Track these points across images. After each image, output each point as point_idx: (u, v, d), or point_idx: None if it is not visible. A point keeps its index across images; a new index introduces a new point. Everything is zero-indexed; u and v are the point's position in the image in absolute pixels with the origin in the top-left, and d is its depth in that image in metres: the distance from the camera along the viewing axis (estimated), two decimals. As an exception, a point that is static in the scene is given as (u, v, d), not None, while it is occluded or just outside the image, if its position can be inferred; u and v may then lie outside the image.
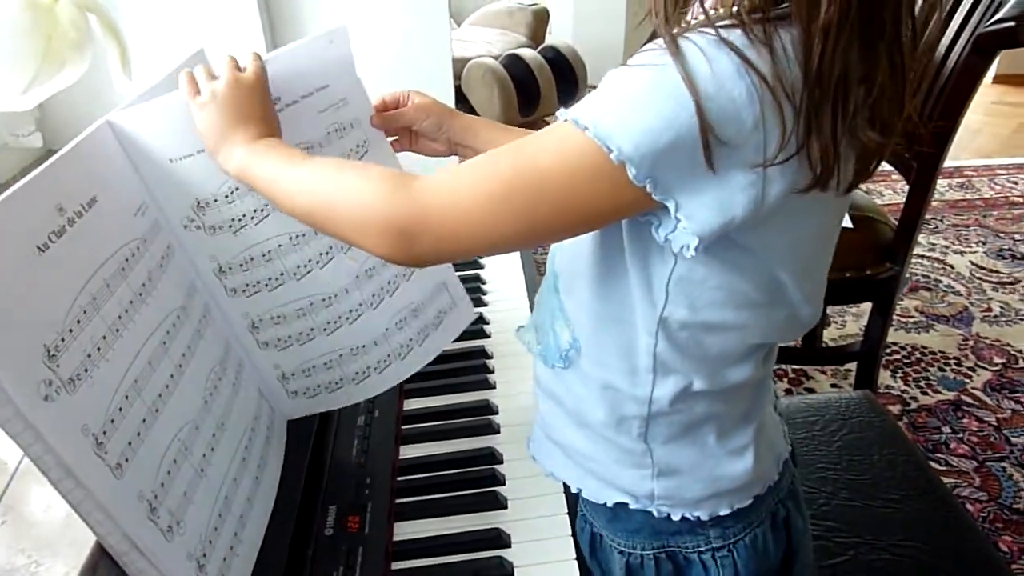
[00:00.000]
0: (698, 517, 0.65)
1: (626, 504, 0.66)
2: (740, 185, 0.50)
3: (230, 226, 0.70)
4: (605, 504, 0.67)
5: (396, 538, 0.72)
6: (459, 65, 3.09)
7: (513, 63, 3.16)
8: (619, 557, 0.68)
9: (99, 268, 0.57)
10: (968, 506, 1.63)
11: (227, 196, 0.69)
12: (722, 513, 0.65)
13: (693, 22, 0.52)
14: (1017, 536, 1.56)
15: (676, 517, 0.65)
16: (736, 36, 0.49)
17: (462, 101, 3.15)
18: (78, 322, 0.53)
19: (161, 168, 0.66)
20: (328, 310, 0.76)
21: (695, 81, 0.48)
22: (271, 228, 0.71)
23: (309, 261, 0.74)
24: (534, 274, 1.13)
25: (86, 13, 0.66)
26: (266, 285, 0.73)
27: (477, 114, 3.14)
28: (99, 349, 0.54)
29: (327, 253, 0.74)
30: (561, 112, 0.53)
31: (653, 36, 0.54)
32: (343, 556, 0.67)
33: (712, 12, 0.51)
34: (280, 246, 0.72)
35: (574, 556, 0.69)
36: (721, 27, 0.49)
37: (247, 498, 0.67)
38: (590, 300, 0.63)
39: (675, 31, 0.50)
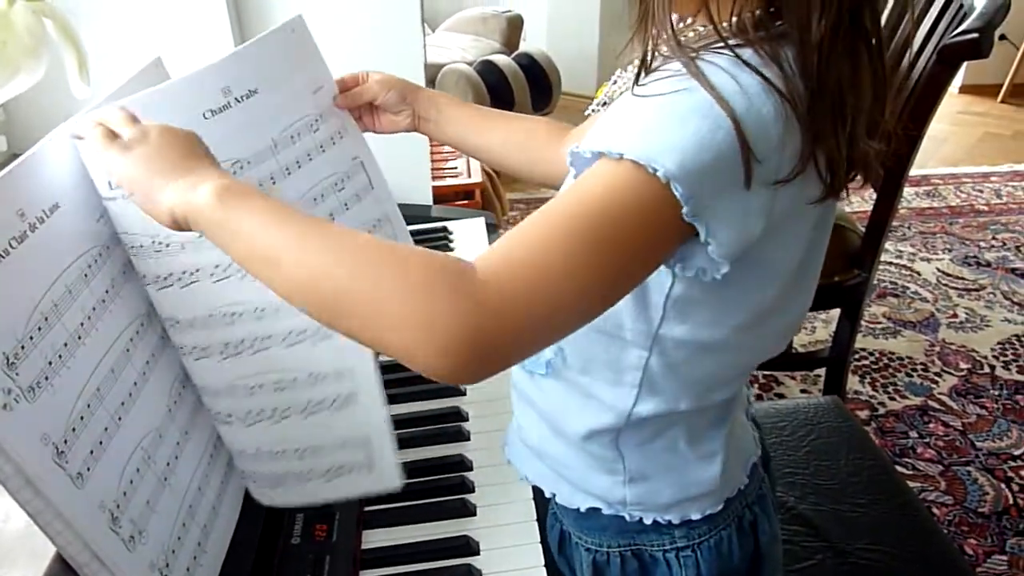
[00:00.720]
0: (669, 520, 0.65)
1: (599, 509, 0.66)
2: (759, 203, 0.50)
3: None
4: (578, 508, 0.67)
5: (364, 546, 0.71)
6: (433, 71, 3.09)
7: (487, 69, 3.16)
8: (586, 555, 0.69)
9: (61, 274, 0.56)
10: (934, 510, 1.65)
11: None
12: (693, 517, 0.66)
13: (696, 42, 0.52)
14: (981, 539, 1.58)
15: (648, 521, 0.66)
16: (749, 55, 0.50)
17: (437, 107, 3.14)
18: (39, 329, 0.52)
19: None
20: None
21: (728, 100, 0.48)
22: None
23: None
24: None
25: (42, 19, 0.65)
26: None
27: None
28: (60, 357, 0.53)
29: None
30: (582, 149, 0.50)
31: (646, 59, 0.54)
32: (310, 565, 0.66)
33: (723, 30, 0.51)
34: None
35: (542, 563, 0.69)
36: (735, 46, 0.50)
37: (212, 507, 0.66)
38: None
39: (692, 54, 0.50)
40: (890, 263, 2.56)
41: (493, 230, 1.27)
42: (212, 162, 0.55)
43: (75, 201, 0.59)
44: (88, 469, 0.53)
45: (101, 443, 0.55)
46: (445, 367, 0.45)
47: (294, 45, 0.76)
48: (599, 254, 0.47)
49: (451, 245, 1.23)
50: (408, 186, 1.33)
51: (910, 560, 0.88)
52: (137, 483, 0.58)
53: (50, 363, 0.52)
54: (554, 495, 0.69)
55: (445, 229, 1.26)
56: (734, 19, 0.52)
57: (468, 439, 0.84)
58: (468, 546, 0.70)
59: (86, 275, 0.58)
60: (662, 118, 0.49)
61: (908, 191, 2.99)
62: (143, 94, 0.61)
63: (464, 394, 0.90)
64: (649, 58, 0.54)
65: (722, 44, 0.51)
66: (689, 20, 0.55)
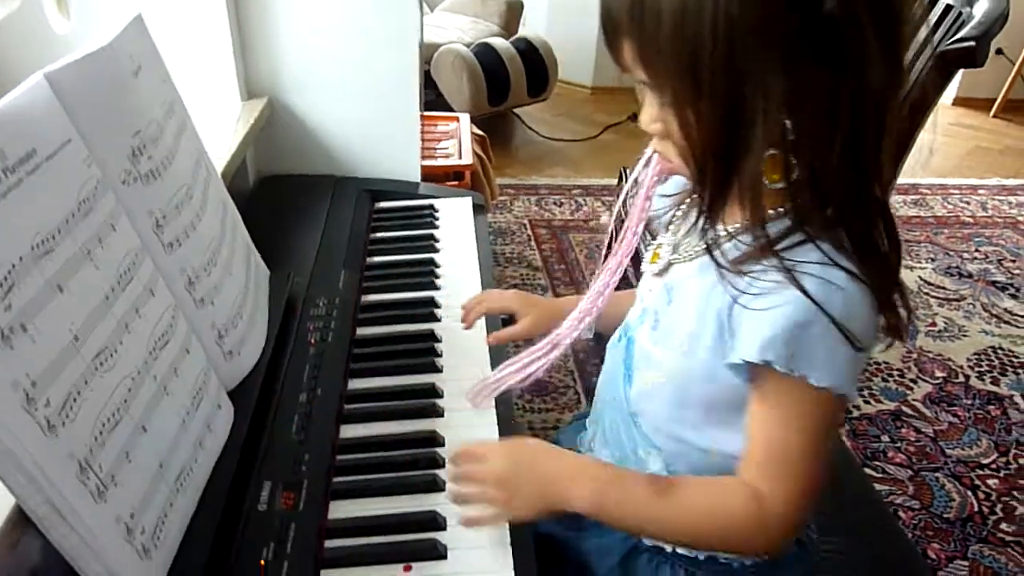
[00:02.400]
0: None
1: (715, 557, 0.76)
2: None
3: (163, 164, 0.71)
4: (696, 556, 0.76)
5: (331, 516, 0.71)
6: (429, 50, 3.06)
7: (484, 52, 3.14)
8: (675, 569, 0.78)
9: (39, 221, 0.55)
10: (900, 513, 1.67)
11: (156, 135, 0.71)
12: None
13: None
14: (945, 544, 1.60)
15: (748, 562, 0.76)
16: (827, 248, 0.59)
17: (431, 86, 3.12)
18: (14, 274, 0.51)
19: (98, 121, 0.64)
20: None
21: (832, 310, 0.58)
22: (185, 163, 0.75)
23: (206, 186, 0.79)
24: (489, 264, 1.13)
25: None
26: (192, 225, 0.75)
27: (444, 99, 3.12)
28: (38, 304, 0.53)
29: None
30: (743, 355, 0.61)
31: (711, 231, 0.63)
32: (275, 532, 0.66)
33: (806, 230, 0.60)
34: (193, 171, 0.77)
35: (509, 541, 0.69)
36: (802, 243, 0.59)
37: (185, 465, 0.65)
38: (696, 444, 0.71)
39: (785, 262, 0.59)
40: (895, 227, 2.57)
41: (479, 211, 1.26)
42: (552, 472, 0.68)
43: (53, 149, 0.58)
44: (63, 416, 0.52)
45: (79, 392, 0.54)
46: (761, 554, 0.72)
47: (136, 44, 0.72)
48: (827, 446, 0.65)
49: (436, 223, 1.22)
50: (397, 163, 1.33)
51: (869, 558, 0.89)
52: (112, 432, 0.57)
53: (26, 309, 0.51)
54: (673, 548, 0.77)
55: (432, 207, 1.26)
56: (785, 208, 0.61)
57: (441, 415, 0.83)
58: (435, 521, 0.70)
59: (68, 222, 0.58)
60: (823, 344, 0.59)
61: (896, 199, 3.01)
62: None
63: (440, 371, 0.90)
64: (716, 237, 0.63)
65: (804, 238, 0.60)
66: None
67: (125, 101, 0.69)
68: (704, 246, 0.66)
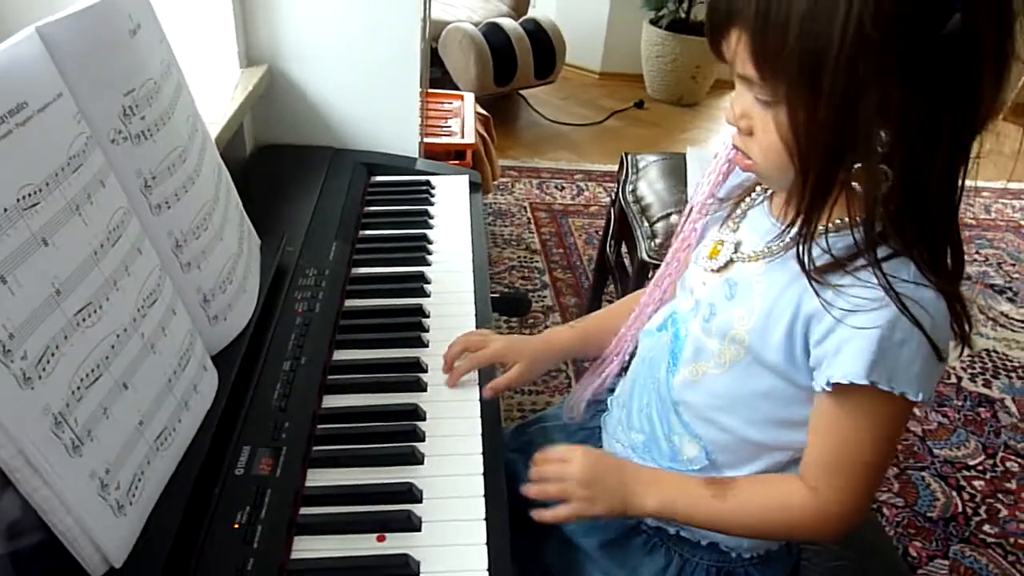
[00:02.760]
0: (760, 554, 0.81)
1: (717, 544, 0.79)
2: None
3: (156, 126, 0.71)
4: (699, 542, 0.79)
5: (309, 483, 0.71)
6: (437, 28, 3.05)
7: (492, 31, 3.12)
8: (677, 559, 0.80)
9: (27, 174, 0.55)
10: (884, 510, 1.68)
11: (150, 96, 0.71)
12: (772, 549, 0.81)
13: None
14: (927, 543, 1.61)
15: (746, 556, 0.80)
16: (914, 264, 0.60)
17: (437, 64, 3.11)
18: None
19: (89, 77, 0.63)
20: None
21: (924, 326, 0.59)
22: (180, 126, 0.75)
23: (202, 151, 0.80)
24: (483, 242, 1.12)
25: None
26: (184, 188, 0.75)
27: (450, 77, 3.10)
28: (21, 256, 0.53)
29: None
30: (831, 376, 0.63)
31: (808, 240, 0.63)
32: (251, 497, 0.66)
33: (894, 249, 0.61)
34: (189, 136, 0.77)
35: (483, 516, 0.69)
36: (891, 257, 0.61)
37: (167, 425, 0.66)
38: (744, 435, 0.73)
39: (885, 282, 0.60)
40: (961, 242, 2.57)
41: (476, 189, 1.26)
42: (631, 479, 0.73)
43: (43, 103, 0.58)
44: (40, 368, 0.52)
45: (57, 345, 0.55)
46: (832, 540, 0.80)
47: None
48: (893, 453, 0.68)
49: (432, 199, 1.22)
50: (396, 138, 1.32)
51: (853, 547, 0.89)
52: (91, 386, 0.57)
53: (7, 262, 0.51)
54: (678, 531, 0.79)
55: (428, 184, 1.25)
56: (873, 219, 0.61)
57: (425, 390, 0.84)
58: (411, 493, 0.70)
59: (57, 175, 0.58)
60: (908, 356, 0.60)
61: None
62: None
63: (426, 346, 0.90)
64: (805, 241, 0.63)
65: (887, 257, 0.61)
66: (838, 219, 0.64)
67: (119, 59, 0.69)
68: (772, 248, 0.69)
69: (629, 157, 1.95)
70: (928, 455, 1.84)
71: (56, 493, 0.52)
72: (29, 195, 0.55)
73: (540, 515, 0.72)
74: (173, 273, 0.73)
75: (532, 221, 2.66)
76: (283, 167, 1.23)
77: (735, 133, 0.67)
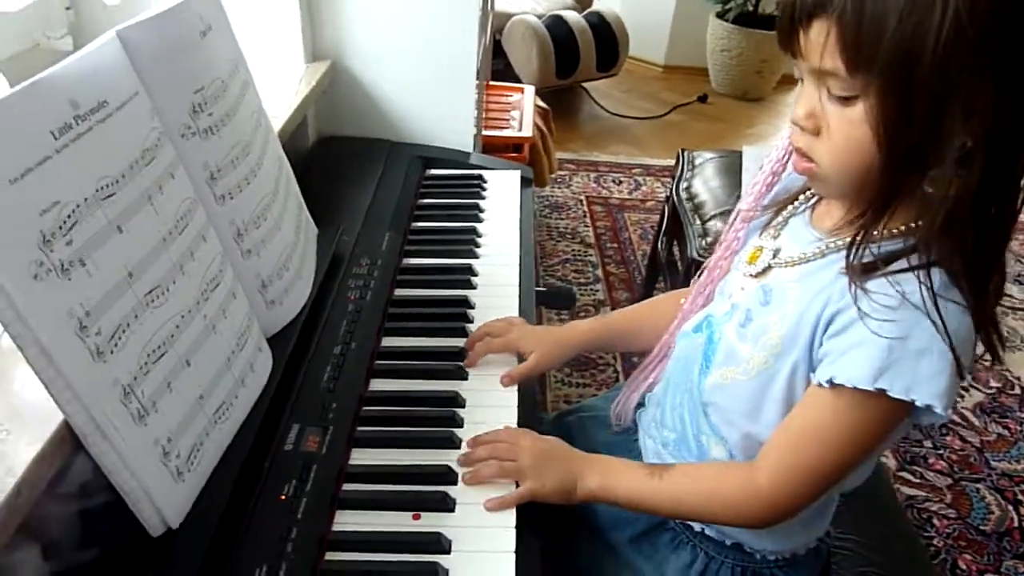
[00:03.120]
0: (785, 556, 0.81)
1: (741, 544, 0.80)
2: None
3: (222, 121, 0.76)
4: (723, 542, 0.80)
5: (352, 462, 0.76)
6: (501, 20, 3.07)
7: (555, 24, 3.13)
8: (701, 556, 0.81)
9: (105, 166, 0.60)
10: (935, 520, 1.65)
11: (218, 93, 0.76)
12: (800, 553, 0.81)
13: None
14: (978, 556, 1.58)
15: (771, 558, 0.80)
16: (944, 276, 0.60)
17: (500, 56, 3.14)
18: (78, 212, 0.56)
19: (163, 77, 0.69)
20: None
21: (955, 338, 0.59)
22: (245, 121, 0.81)
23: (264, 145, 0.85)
24: (530, 237, 1.15)
25: None
26: (246, 180, 0.80)
27: (513, 69, 3.13)
28: (98, 241, 0.58)
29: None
30: (834, 376, 0.63)
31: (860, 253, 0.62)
32: (298, 471, 0.71)
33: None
34: (252, 130, 0.83)
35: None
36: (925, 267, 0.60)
37: (225, 400, 0.71)
38: (764, 440, 0.73)
39: (929, 293, 0.60)
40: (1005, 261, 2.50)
41: (527, 184, 1.29)
42: (577, 461, 0.76)
43: (122, 100, 0.63)
44: (111, 344, 0.58)
45: (128, 323, 0.60)
46: (759, 527, 0.75)
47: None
48: (859, 458, 0.67)
49: (484, 193, 1.25)
50: (451, 132, 1.36)
51: (874, 548, 0.89)
52: (157, 361, 0.62)
53: (85, 245, 0.56)
54: (703, 529, 0.81)
55: (480, 177, 1.29)
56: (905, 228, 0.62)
57: (465, 379, 0.87)
58: (448, 475, 0.74)
59: (132, 167, 0.63)
60: (932, 360, 0.60)
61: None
62: None
63: (467, 336, 0.94)
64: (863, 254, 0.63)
65: (922, 265, 0.60)
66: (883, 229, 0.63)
67: (190, 59, 0.74)
68: (807, 255, 0.69)
69: (685, 154, 1.95)
70: (985, 467, 1.79)
71: (122, 457, 0.57)
72: (107, 186, 0.60)
73: (491, 503, 0.72)
74: (234, 260, 0.78)
75: (588, 215, 2.68)
76: (343, 159, 1.28)
77: (797, 134, 0.65)
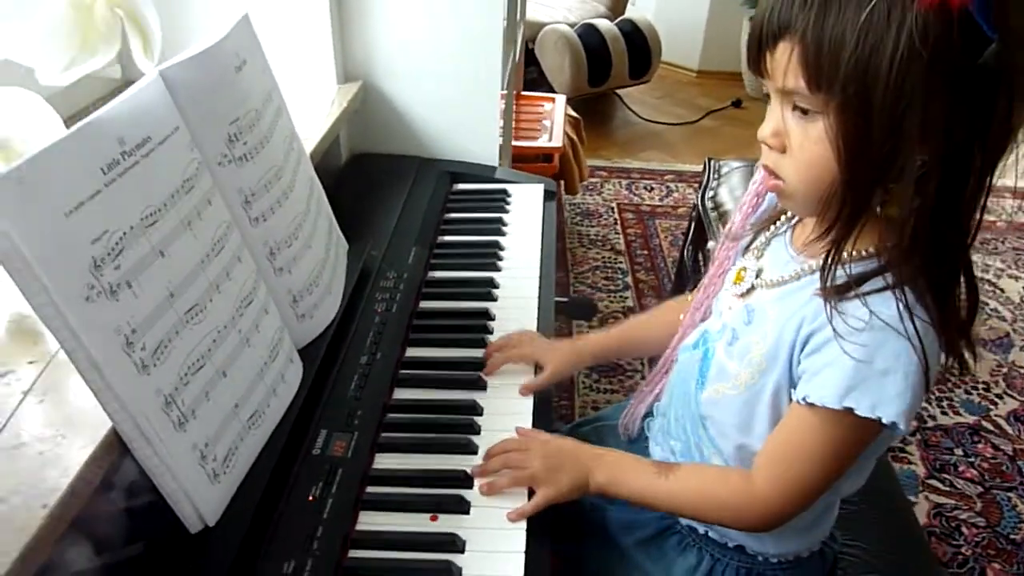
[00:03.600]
0: (788, 559, 0.84)
1: (743, 547, 0.83)
2: None
3: (256, 149, 0.82)
4: (726, 544, 0.83)
5: (375, 466, 0.81)
6: (534, 29, 3.12)
7: (588, 32, 3.17)
8: (707, 558, 0.85)
9: (149, 196, 0.66)
10: (963, 529, 1.65)
11: (252, 123, 0.82)
12: (803, 556, 0.84)
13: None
14: (1007, 566, 1.57)
15: (773, 560, 0.84)
16: (910, 296, 0.63)
17: (533, 64, 3.18)
18: (125, 240, 0.62)
19: (202, 111, 0.75)
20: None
21: (926, 356, 0.63)
22: (278, 147, 0.86)
23: (296, 168, 0.91)
24: (551, 250, 1.19)
25: (116, 11, 0.80)
26: (279, 202, 0.86)
27: (546, 78, 3.17)
28: (143, 265, 0.64)
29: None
30: (807, 395, 0.67)
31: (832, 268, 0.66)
32: (325, 474, 0.76)
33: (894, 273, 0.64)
34: (285, 155, 0.88)
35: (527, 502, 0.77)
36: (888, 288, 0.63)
37: (258, 408, 0.77)
38: (756, 452, 0.76)
39: (906, 311, 0.62)
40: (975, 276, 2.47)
41: (550, 197, 1.33)
42: (586, 457, 0.80)
43: (164, 134, 0.69)
44: (156, 358, 0.64)
45: (170, 339, 0.66)
46: (758, 531, 0.79)
47: (245, 38, 0.82)
48: (840, 470, 0.71)
49: (507, 207, 1.30)
50: (478, 147, 1.41)
51: (891, 562, 0.91)
52: (196, 373, 0.68)
53: (132, 270, 0.62)
54: (707, 531, 0.85)
55: (504, 192, 1.33)
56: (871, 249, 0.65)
57: (484, 389, 0.92)
58: (466, 480, 0.79)
59: (173, 197, 0.69)
60: (897, 379, 0.63)
61: (1010, 203, 2.85)
62: (30, 158, 0.55)
63: (486, 347, 0.98)
64: (835, 269, 0.66)
65: (893, 285, 0.63)
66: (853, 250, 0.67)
67: (226, 93, 0.80)
68: (785, 277, 0.73)
69: (712, 162, 1.97)
70: (1017, 475, 1.78)
71: (164, 461, 0.63)
72: (150, 215, 0.66)
73: (512, 514, 0.75)
74: (267, 277, 0.84)
75: (619, 222, 2.71)
76: (374, 175, 1.34)
77: (765, 152, 0.69)
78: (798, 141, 0.64)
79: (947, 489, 1.74)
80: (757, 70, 0.66)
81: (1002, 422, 1.93)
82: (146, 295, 0.64)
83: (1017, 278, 2.49)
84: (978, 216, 0.62)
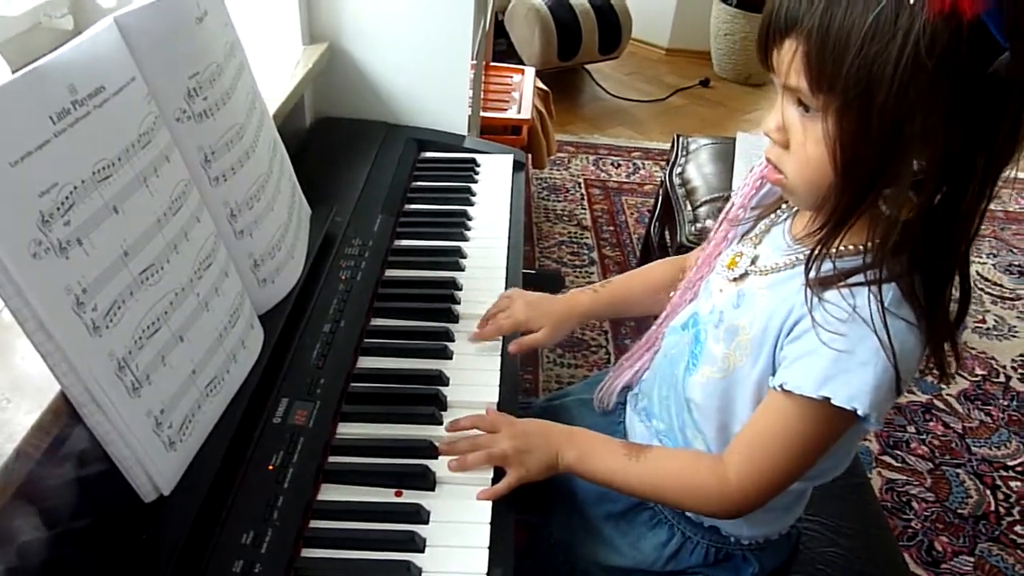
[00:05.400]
0: (759, 541, 0.85)
1: (717, 528, 0.84)
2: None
3: (217, 105, 0.79)
4: (702, 523, 0.83)
5: (338, 435, 0.79)
6: (503, 1, 3.07)
7: (559, 6, 3.13)
8: (678, 536, 0.85)
9: (102, 149, 0.63)
10: (913, 504, 1.69)
11: (213, 78, 0.78)
12: (773, 538, 0.85)
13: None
14: (954, 539, 1.62)
15: (744, 542, 0.84)
16: (895, 293, 0.63)
17: (503, 36, 3.14)
18: (75, 194, 0.59)
19: (159, 62, 0.71)
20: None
21: (898, 354, 0.62)
22: (240, 105, 0.82)
23: (259, 128, 0.88)
24: (520, 220, 1.18)
25: None
26: (240, 162, 0.82)
27: (515, 50, 3.13)
28: (95, 222, 0.61)
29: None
30: (785, 382, 0.67)
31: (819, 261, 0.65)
32: (285, 443, 0.74)
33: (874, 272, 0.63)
34: (247, 113, 0.84)
35: (492, 475, 0.76)
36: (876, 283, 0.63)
37: (216, 375, 0.74)
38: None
39: (879, 308, 0.62)
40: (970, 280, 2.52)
41: (519, 168, 1.31)
42: (556, 437, 0.79)
43: (119, 85, 0.65)
44: (106, 320, 0.61)
45: (124, 300, 0.63)
46: (727, 518, 0.79)
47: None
48: (812, 459, 0.70)
49: (476, 176, 1.27)
50: (446, 115, 1.38)
51: (848, 535, 0.93)
52: (151, 337, 0.65)
53: (83, 225, 0.59)
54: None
55: (474, 161, 1.31)
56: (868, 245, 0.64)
57: (450, 358, 0.90)
58: (430, 450, 0.77)
59: (128, 151, 0.65)
60: (868, 372, 0.63)
61: (967, 190, 2.91)
62: None
63: (456, 318, 0.97)
64: (822, 264, 0.65)
65: (874, 281, 0.62)
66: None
67: (186, 45, 0.76)
68: (779, 265, 0.72)
69: (681, 139, 1.97)
70: (966, 452, 1.83)
71: (116, 427, 0.60)
72: (103, 168, 0.63)
73: (483, 494, 0.74)
74: (227, 239, 0.81)
75: (586, 197, 2.70)
76: (339, 140, 1.30)
77: (769, 146, 0.68)
78: (799, 139, 0.64)
79: (899, 465, 1.78)
80: (765, 64, 0.65)
81: (953, 401, 1.98)
82: (98, 253, 0.61)
83: (971, 262, 2.55)
84: (977, 222, 0.62)
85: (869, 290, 0.63)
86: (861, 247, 0.66)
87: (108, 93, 0.64)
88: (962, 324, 0.67)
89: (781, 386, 0.67)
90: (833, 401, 0.64)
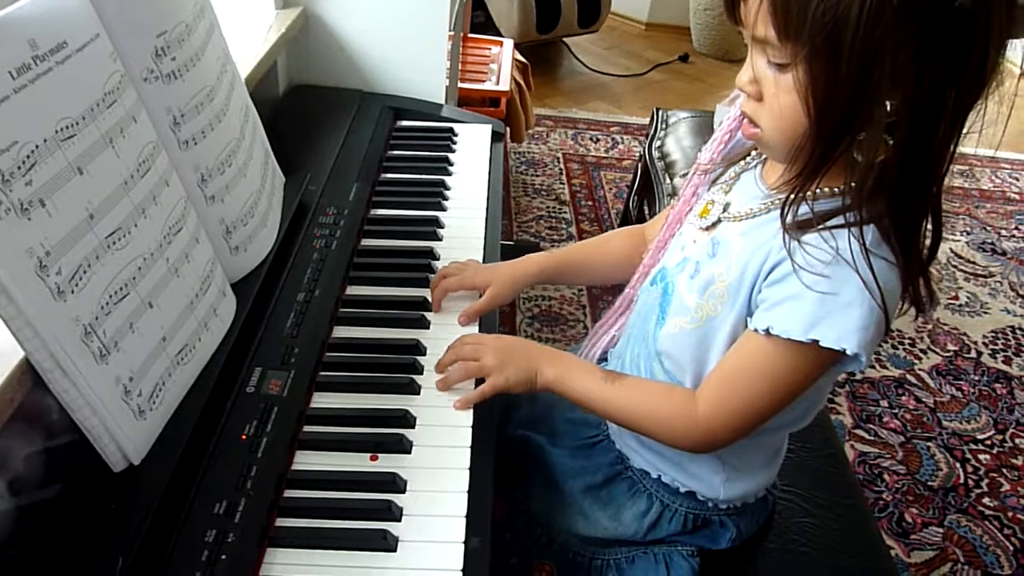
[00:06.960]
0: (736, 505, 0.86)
1: (694, 493, 0.84)
2: None
3: (186, 66, 0.76)
4: (678, 489, 0.84)
5: (312, 405, 0.78)
6: (483, -30, 3.03)
7: (538, -23, 3.09)
8: (658, 503, 0.85)
9: (65, 108, 0.60)
10: (885, 476, 1.72)
11: (182, 38, 0.76)
12: (749, 501, 0.86)
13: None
14: (923, 510, 1.65)
15: (723, 507, 0.85)
16: (872, 238, 0.63)
17: (481, 8, 3.09)
18: (37, 153, 0.57)
19: (124, 19, 0.68)
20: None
21: (883, 292, 0.63)
22: (210, 67, 0.80)
23: (230, 91, 0.85)
24: (498, 191, 1.16)
25: None
26: (211, 126, 0.80)
27: (493, 23, 3.09)
28: (58, 182, 0.58)
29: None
30: (771, 326, 0.67)
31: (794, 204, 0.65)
32: (259, 412, 0.73)
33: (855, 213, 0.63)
34: (218, 76, 0.82)
35: (469, 444, 0.75)
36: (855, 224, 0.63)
37: (187, 343, 0.72)
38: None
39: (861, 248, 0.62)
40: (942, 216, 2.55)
41: (497, 138, 1.29)
42: (538, 353, 0.81)
43: (82, 42, 0.63)
44: (71, 284, 0.59)
45: (89, 264, 0.61)
46: (693, 451, 0.80)
47: None
48: (786, 400, 0.70)
49: (454, 146, 1.26)
50: (423, 84, 1.36)
51: (822, 505, 0.94)
52: (119, 303, 0.63)
53: (45, 185, 0.57)
54: (659, 476, 0.85)
55: (451, 131, 1.29)
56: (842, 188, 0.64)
57: (427, 327, 0.89)
58: (406, 418, 0.76)
59: (93, 110, 0.63)
60: (855, 311, 0.63)
61: (941, 168, 2.93)
62: None
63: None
64: (798, 207, 0.65)
65: (854, 223, 0.63)
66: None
67: (153, 3, 0.73)
68: (754, 210, 0.72)
69: (660, 112, 1.96)
70: (937, 426, 1.86)
71: (83, 394, 0.59)
72: (67, 127, 0.60)
73: (458, 402, 0.78)
74: (198, 205, 0.79)
75: (564, 172, 2.68)
76: (313, 107, 1.27)
77: (744, 100, 0.68)
78: (771, 91, 0.64)
79: (871, 438, 1.81)
80: (732, 18, 0.65)
81: (925, 376, 2.01)
82: (62, 215, 0.59)
83: (944, 239, 2.57)
84: (949, 159, 0.62)
85: (850, 231, 0.63)
86: (837, 189, 0.66)
87: (71, 49, 0.62)
88: (933, 258, 0.67)
89: (767, 330, 0.67)
90: (822, 343, 0.64)
